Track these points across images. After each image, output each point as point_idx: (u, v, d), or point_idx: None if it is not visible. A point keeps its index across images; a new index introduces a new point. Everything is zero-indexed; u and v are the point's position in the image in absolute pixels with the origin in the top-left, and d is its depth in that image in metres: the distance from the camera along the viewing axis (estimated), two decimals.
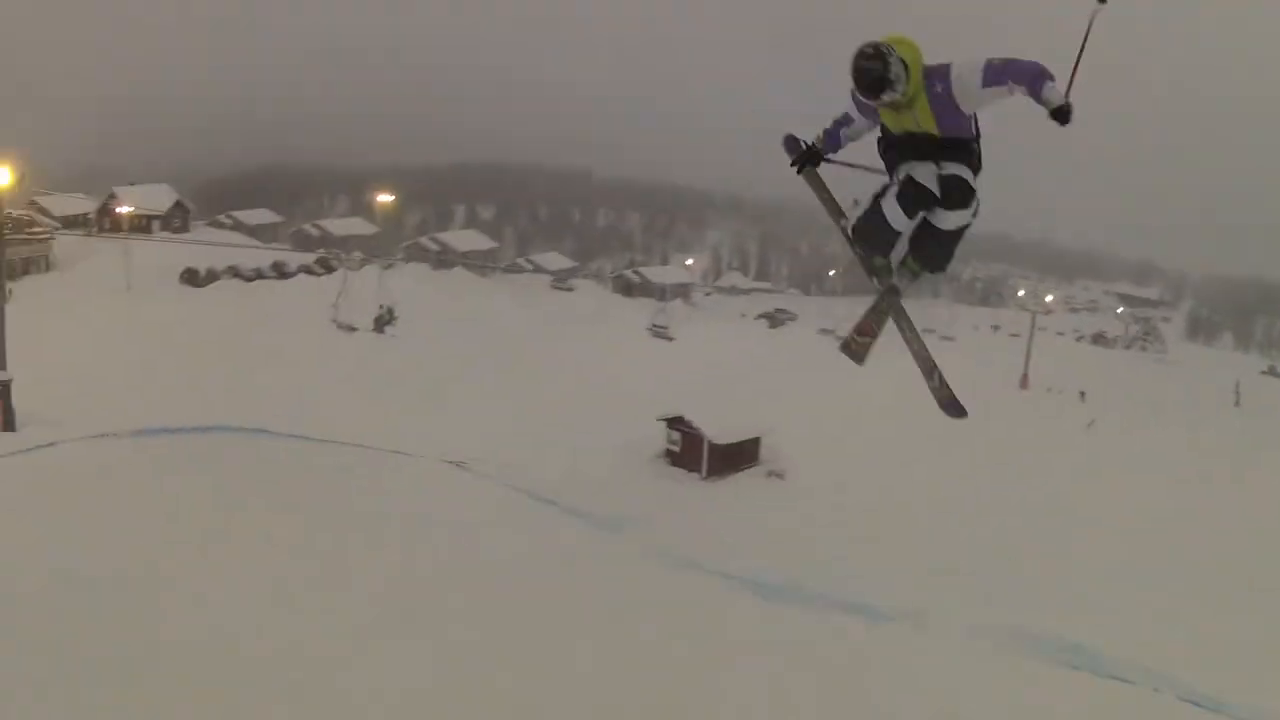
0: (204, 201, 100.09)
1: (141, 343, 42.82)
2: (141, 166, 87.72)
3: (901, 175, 6.11)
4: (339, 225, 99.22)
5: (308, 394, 37.25)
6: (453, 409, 39.40)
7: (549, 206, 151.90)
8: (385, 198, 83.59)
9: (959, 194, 6.02)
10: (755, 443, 36.21)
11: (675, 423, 35.59)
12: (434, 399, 40.53)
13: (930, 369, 6.69)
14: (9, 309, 27.80)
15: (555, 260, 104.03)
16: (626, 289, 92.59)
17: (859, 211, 6.36)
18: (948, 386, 6.62)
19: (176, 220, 78.25)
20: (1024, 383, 54.85)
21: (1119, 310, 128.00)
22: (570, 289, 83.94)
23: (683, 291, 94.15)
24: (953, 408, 6.61)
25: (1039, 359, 56.76)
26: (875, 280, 6.76)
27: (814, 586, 17.23)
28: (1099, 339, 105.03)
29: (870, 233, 6.33)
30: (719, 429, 34.84)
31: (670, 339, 52.24)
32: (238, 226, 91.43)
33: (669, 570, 17.27)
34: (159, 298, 52.15)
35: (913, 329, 6.80)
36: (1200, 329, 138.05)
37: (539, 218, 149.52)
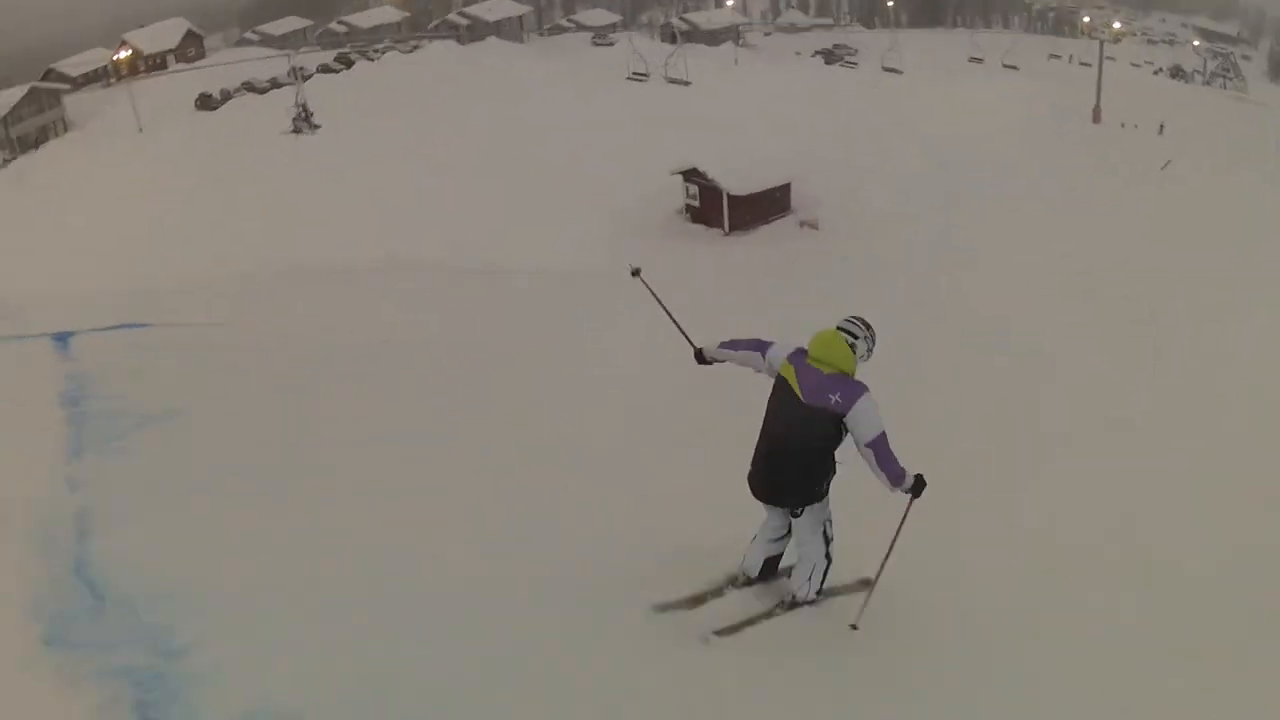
0: (241, 24, 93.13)
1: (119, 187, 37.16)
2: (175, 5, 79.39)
3: None
4: (364, 17, 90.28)
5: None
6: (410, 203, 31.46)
7: None
8: None
9: None
10: (785, 190, 30.59)
11: (691, 175, 30.02)
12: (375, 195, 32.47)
13: None
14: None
15: (600, 16, 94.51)
16: (673, 38, 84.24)
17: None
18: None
19: (191, 50, 73.79)
20: (1096, 116, 47.24)
21: (1195, 44, 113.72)
22: (610, 44, 76.52)
23: (732, 33, 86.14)
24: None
25: (1112, 91, 48.64)
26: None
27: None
28: (1176, 73, 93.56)
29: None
30: (740, 179, 29.21)
31: (685, 83, 44.50)
32: (264, 40, 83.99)
33: None
34: (166, 133, 46.43)
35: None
36: None
37: None
